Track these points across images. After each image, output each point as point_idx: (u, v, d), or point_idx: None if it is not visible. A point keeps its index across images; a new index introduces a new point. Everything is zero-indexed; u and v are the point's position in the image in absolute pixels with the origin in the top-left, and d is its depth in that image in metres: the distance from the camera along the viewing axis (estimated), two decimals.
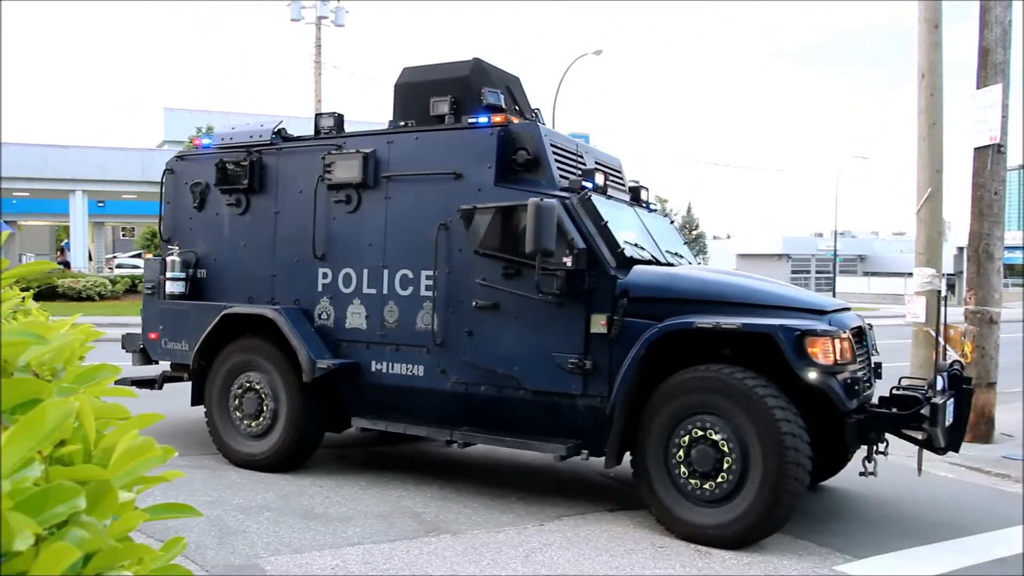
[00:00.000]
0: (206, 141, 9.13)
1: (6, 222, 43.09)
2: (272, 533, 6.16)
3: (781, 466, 5.85)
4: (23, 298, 2.57)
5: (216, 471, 7.86)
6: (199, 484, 7.36)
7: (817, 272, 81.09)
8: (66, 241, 47.84)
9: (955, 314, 13.16)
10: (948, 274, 12.09)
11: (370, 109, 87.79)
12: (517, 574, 5.52)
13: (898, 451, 9.88)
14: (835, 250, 58.26)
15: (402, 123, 8.14)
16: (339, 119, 8.46)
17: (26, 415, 0.80)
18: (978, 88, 10.49)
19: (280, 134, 8.66)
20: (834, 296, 53.09)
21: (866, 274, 77.34)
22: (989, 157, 10.30)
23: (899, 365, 14.04)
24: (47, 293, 26.40)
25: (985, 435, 10.24)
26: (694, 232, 69.13)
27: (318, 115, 8.68)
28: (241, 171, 8.48)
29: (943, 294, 9.15)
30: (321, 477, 7.78)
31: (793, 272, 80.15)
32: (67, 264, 38.98)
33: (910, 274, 11.89)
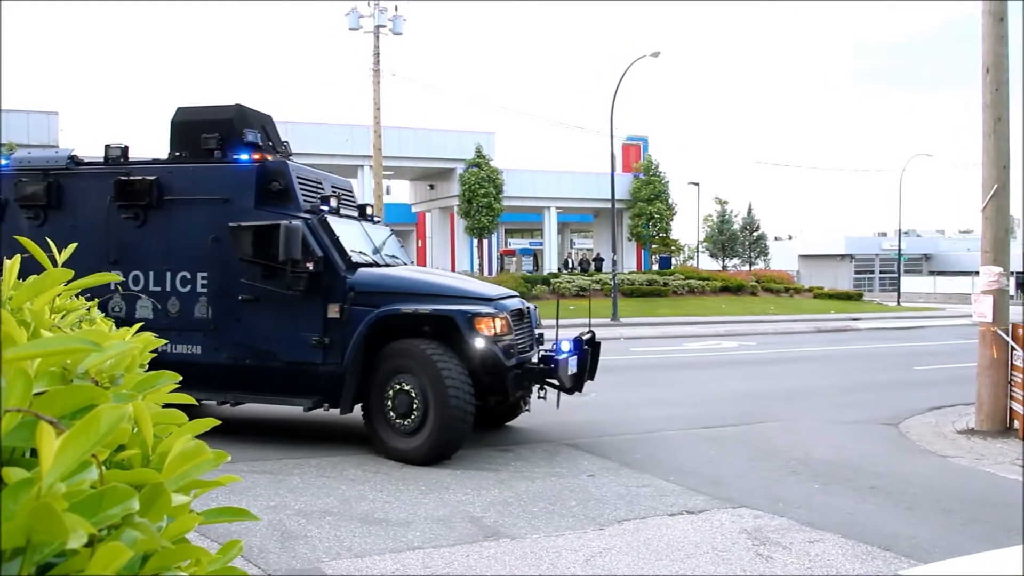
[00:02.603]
0: (3, 163, 10.41)
1: None
2: (333, 537, 6.23)
3: (447, 408, 8.39)
4: (88, 308, 2.64)
5: (278, 476, 7.98)
6: (262, 488, 7.48)
7: (881, 272, 79.67)
8: None
9: None
10: (1016, 272, 11.83)
11: (429, 115, 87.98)
12: None
13: (966, 454, 9.69)
14: (899, 249, 57.16)
15: (177, 154, 9.99)
16: (125, 150, 10.11)
17: (80, 420, 0.83)
18: None
19: (73, 159, 10.18)
20: (899, 297, 52.22)
21: (932, 273, 75.84)
22: None
23: (967, 366, 13.78)
24: None
25: None
26: (755, 233, 68.24)
27: (107, 146, 10.11)
28: (40, 190, 9.91)
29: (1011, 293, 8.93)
30: (382, 482, 7.85)
31: (856, 272, 78.84)
32: None
33: (977, 273, 11.63)
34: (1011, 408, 10.79)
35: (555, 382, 9.41)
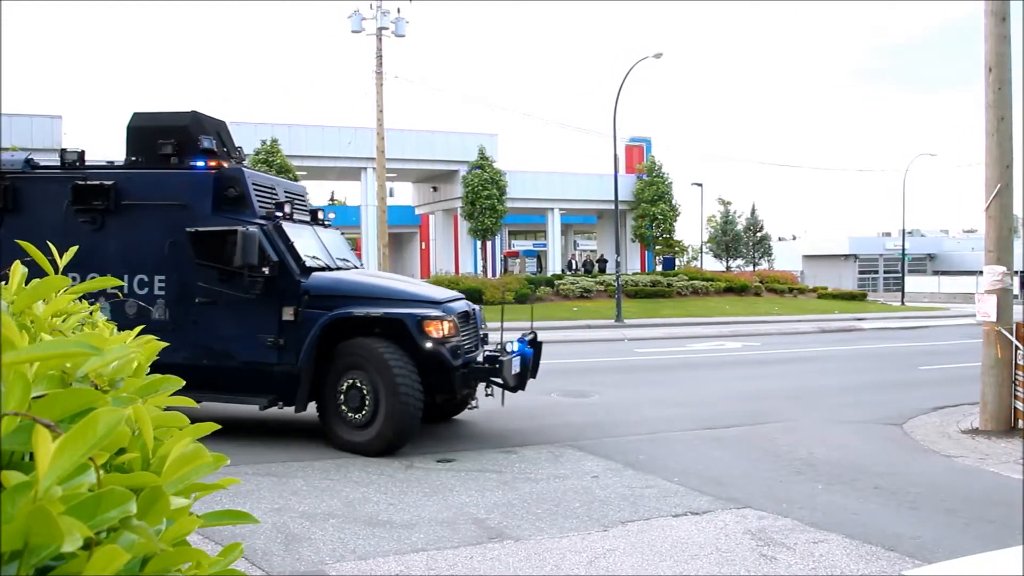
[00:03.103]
0: None
1: None
2: (337, 539, 6.24)
3: (397, 403, 8.88)
4: (91, 312, 2.65)
5: (282, 478, 7.98)
6: (266, 491, 7.49)
7: (885, 272, 79.54)
8: None
9: None
10: (1020, 271, 11.81)
11: (431, 117, 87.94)
12: None
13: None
14: (903, 249, 57.08)
15: (133, 159, 10.17)
16: (81, 155, 10.27)
17: (77, 423, 0.83)
18: None
19: (30, 163, 10.36)
20: (903, 297, 52.16)
21: (936, 273, 75.69)
22: None
23: (971, 366, 13.76)
24: None
25: None
26: (759, 234, 68.22)
27: (62, 150, 10.35)
28: None
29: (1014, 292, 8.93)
30: (385, 484, 7.86)
31: (860, 272, 78.72)
32: None
33: (981, 272, 11.62)
34: (1015, 408, 10.79)
35: (500, 381, 9.76)
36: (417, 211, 55.61)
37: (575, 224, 64.36)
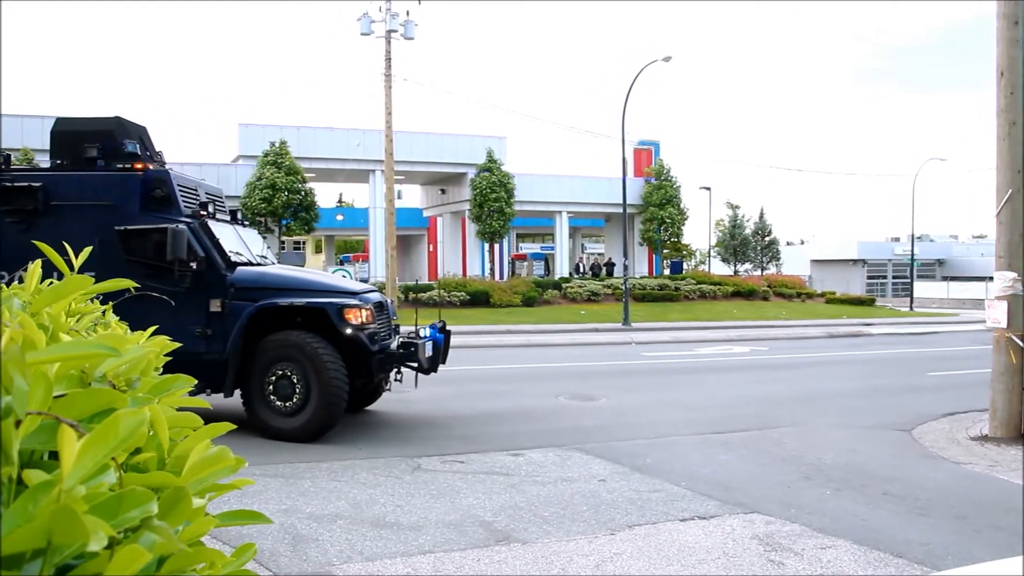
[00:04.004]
0: None
1: None
2: (344, 541, 6.24)
3: (327, 391, 9.63)
4: (104, 311, 2.66)
5: (290, 479, 7.99)
6: (273, 492, 7.50)
7: (894, 277, 79.33)
8: None
9: None
10: None
11: (440, 119, 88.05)
12: None
13: (977, 460, 9.61)
14: (912, 254, 56.92)
15: (58, 162, 10.59)
16: (7, 157, 10.65)
17: (100, 424, 0.84)
18: None
19: None
20: (912, 302, 52.01)
21: (945, 278, 75.44)
22: None
23: (981, 372, 13.72)
24: None
25: None
26: (767, 238, 68.08)
27: None
28: None
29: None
30: (393, 486, 7.86)
31: (869, 277, 78.52)
32: None
33: (991, 278, 11.58)
34: None
35: (414, 364, 10.72)
36: (425, 213, 55.70)
37: (583, 227, 64.41)
